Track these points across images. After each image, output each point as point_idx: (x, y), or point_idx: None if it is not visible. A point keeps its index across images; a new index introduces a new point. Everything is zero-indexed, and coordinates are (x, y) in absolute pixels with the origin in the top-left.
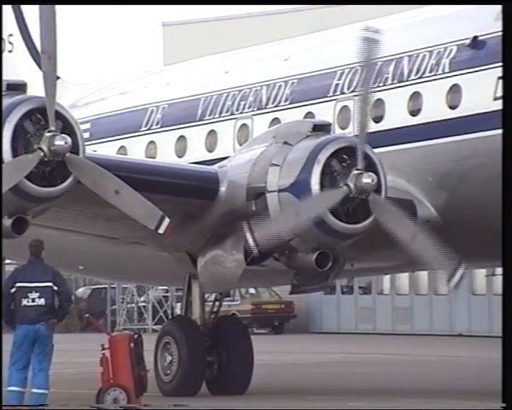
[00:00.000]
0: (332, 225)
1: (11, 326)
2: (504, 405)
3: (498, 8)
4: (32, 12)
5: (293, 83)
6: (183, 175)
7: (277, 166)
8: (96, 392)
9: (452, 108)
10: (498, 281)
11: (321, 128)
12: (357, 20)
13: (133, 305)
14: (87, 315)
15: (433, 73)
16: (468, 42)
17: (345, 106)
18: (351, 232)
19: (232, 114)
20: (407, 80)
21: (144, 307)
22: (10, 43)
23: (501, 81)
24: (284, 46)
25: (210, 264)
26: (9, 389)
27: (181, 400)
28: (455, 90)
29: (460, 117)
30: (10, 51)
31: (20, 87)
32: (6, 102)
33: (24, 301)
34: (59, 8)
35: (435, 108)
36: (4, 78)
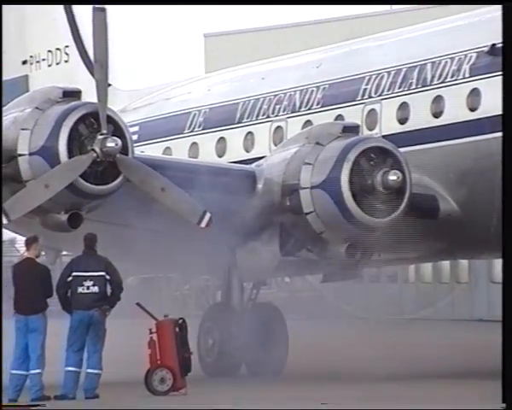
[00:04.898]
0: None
1: (67, 312)
2: (504, 405)
3: None
4: (86, 25)
5: (324, 88)
6: (223, 174)
7: (310, 164)
8: (144, 372)
9: (472, 110)
10: None
11: (350, 130)
12: (382, 29)
13: (178, 293)
14: (137, 302)
15: (454, 78)
16: (486, 49)
17: (372, 109)
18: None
19: (268, 117)
20: (430, 85)
21: (188, 294)
22: (66, 53)
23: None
24: (316, 54)
25: (248, 255)
26: (67, 369)
27: (222, 379)
28: (475, 93)
29: (479, 119)
30: (66, 61)
31: (75, 94)
32: (62, 107)
33: (79, 289)
34: (111, 24)
35: (456, 111)
36: (61, 85)
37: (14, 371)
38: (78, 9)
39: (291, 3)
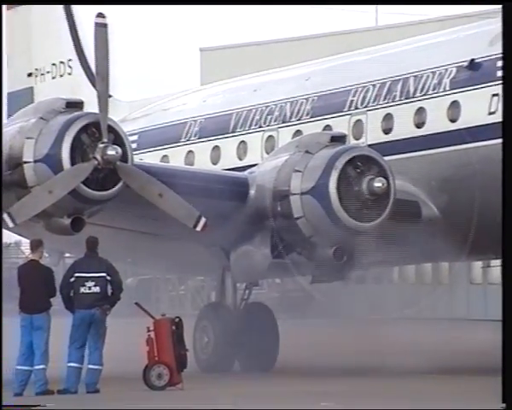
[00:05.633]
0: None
1: (70, 311)
2: (504, 405)
3: (493, 33)
4: (88, 39)
5: (313, 100)
6: (217, 180)
7: (300, 172)
8: (142, 368)
9: (452, 121)
10: (493, 272)
11: (337, 139)
12: (368, 45)
13: (174, 293)
14: (135, 302)
15: (435, 91)
16: (465, 64)
17: (358, 120)
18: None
19: (260, 126)
20: (413, 97)
21: (184, 294)
22: (70, 66)
23: (494, 98)
24: (305, 68)
25: (241, 257)
26: (69, 365)
27: (216, 375)
28: (455, 105)
29: (459, 129)
30: (70, 74)
31: (77, 105)
32: (66, 117)
33: (81, 289)
34: (112, 40)
35: (438, 122)
36: (64, 96)
37: (19, 367)
38: (81, 25)
39: (283, 3)
